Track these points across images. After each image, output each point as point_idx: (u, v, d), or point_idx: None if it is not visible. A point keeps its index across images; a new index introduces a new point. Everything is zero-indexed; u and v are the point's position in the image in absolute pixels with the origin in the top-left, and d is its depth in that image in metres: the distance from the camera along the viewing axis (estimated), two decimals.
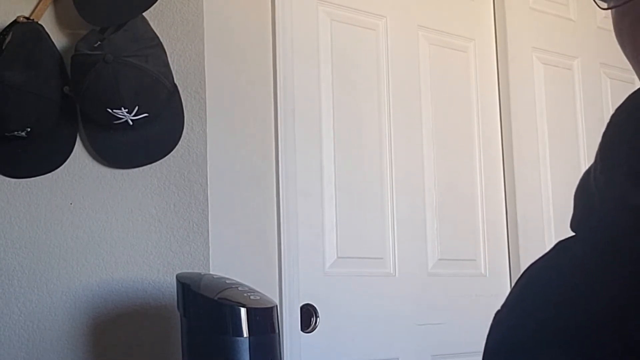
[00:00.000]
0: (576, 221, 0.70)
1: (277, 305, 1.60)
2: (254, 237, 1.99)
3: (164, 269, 1.86)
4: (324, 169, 2.17)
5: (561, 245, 0.71)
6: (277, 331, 1.56)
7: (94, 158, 1.87)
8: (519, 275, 0.75)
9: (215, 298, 1.52)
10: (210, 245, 1.89)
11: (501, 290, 2.47)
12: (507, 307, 0.72)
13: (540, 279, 0.70)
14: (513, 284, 0.74)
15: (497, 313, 0.72)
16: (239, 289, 1.57)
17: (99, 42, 1.77)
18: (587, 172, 0.69)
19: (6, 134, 1.77)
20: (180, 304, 1.58)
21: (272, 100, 2.06)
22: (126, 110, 1.75)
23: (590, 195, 0.67)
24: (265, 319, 1.54)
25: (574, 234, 0.71)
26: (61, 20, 1.88)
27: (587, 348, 0.60)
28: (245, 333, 1.50)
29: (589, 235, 0.68)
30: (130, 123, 1.78)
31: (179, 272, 1.72)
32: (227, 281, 1.60)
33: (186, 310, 1.56)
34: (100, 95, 1.75)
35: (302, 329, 2.06)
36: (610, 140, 0.67)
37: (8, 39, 1.78)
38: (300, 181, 2.09)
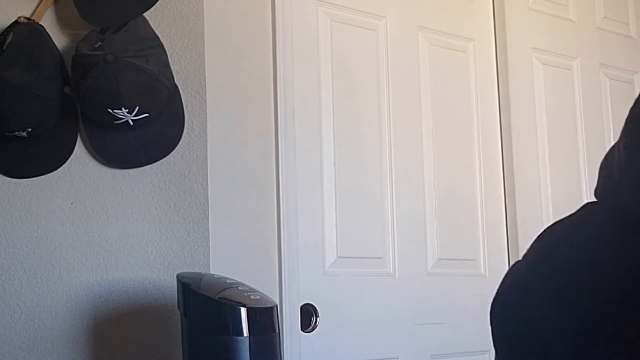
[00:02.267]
0: (600, 190, 0.72)
1: (277, 305, 1.60)
2: (254, 237, 1.99)
3: (164, 268, 1.86)
4: (324, 169, 2.17)
5: (585, 210, 0.72)
6: (277, 331, 1.56)
7: (95, 158, 1.87)
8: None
9: (216, 298, 1.52)
10: (210, 245, 1.89)
11: None
12: (527, 260, 0.73)
13: (562, 242, 0.71)
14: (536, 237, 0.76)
15: (516, 262, 0.74)
16: (239, 288, 1.57)
17: (99, 43, 1.77)
18: (613, 146, 0.71)
19: (7, 134, 1.77)
20: (181, 303, 1.58)
21: (272, 100, 2.06)
22: (126, 110, 1.76)
23: (612, 168, 0.69)
24: (265, 319, 1.54)
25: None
26: (62, 20, 1.88)
27: (599, 319, 0.61)
28: (246, 333, 1.50)
29: (610, 204, 0.69)
30: (131, 123, 1.78)
31: (180, 271, 1.73)
32: (228, 281, 1.60)
33: (186, 310, 1.57)
34: (100, 96, 1.75)
35: (302, 329, 2.06)
36: (636, 116, 0.68)
37: (9, 39, 1.79)
38: (300, 181, 2.10)
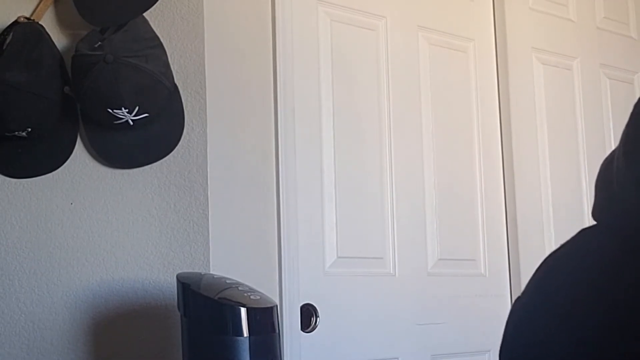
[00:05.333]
0: (598, 210, 0.71)
1: (277, 305, 1.60)
2: (254, 237, 1.99)
3: (164, 268, 1.86)
4: (324, 169, 2.17)
5: (582, 235, 0.71)
6: (277, 331, 1.56)
7: (95, 158, 1.87)
8: (531, 270, 0.75)
9: (216, 298, 1.52)
10: (210, 245, 1.89)
11: (501, 290, 2.48)
12: (527, 295, 0.72)
13: (559, 271, 0.70)
14: (534, 272, 0.74)
15: (517, 300, 0.73)
16: (239, 288, 1.57)
17: (99, 43, 1.77)
18: (609, 161, 0.70)
19: (7, 134, 1.77)
20: (181, 303, 1.58)
21: (272, 100, 2.06)
22: (126, 110, 1.76)
23: (611, 184, 0.68)
24: (265, 319, 1.54)
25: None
26: (62, 20, 1.88)
27: (599, 345, 0.60)
28: (246, 333, 1.50)
29: (610, 225, 0.68)
30: (131, 123, 1.79)
31: (179, 271, 1.73)
32: (227, 281, 1.60)
33: (186, 310, 1.57)
34: (100, 96, 1.75)
35: (302, 329, 2.06)
36: (634, 129, 0.67)
37: (9, 39, 1.79)
38: (300, 181, 2.10)
